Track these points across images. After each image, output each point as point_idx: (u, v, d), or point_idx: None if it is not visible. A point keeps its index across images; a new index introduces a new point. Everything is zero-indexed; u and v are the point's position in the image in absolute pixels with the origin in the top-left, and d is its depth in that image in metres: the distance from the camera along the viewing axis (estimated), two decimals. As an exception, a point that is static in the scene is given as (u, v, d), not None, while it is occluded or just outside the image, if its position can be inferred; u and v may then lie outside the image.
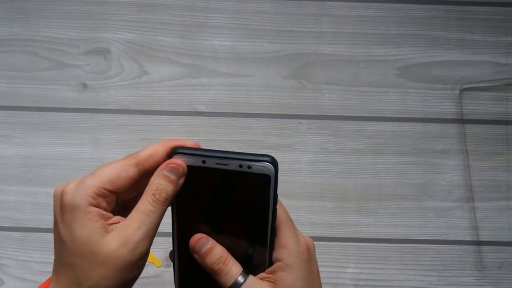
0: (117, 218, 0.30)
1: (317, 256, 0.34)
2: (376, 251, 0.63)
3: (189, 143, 0.31)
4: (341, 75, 0.65)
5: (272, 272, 0.31)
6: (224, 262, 0.31)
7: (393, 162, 0.64)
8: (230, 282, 0.31)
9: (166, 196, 0.30)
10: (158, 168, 0.30)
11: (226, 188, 0.31)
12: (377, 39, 0.66)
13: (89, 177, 0.30)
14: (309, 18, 0.66)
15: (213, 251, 0.31)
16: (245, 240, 0.32)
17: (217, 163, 0.30)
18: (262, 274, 0.32)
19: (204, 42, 0.65)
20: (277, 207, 0.31)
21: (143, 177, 0.31)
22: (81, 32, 0.65)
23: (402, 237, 0.63)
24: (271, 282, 0.31)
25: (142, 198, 0.30)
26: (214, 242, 0.31)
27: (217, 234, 0.32)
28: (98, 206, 0.30)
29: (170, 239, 0.32)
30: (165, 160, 0.31)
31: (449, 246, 0.63)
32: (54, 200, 0.31)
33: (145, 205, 0.30)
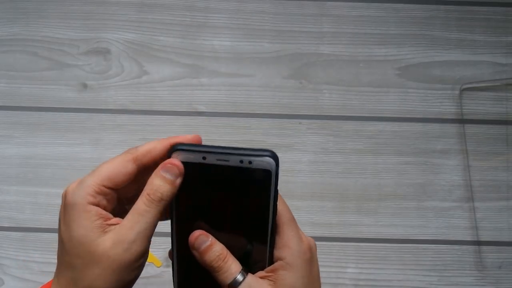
0: (117, 219, 0.30)
1: (317, 256, 0.33)
2: (376, 251, 0.63)
3: (188, 137, 0.31)
4: (341, 75, 0.65)
5: (272, 271, 0.31)
6: (224, 259, 0.31)
7: (393, 162, 0.64)
8: (229, 280, 0.30)
9: (161, 196, 0.30)
10: (156, 169, 0.30)
11: (227, 184, 0.30)
12: (377, 39, 0.66)
13: (89, 176, 0.30)
14: (309, 18, 0.66)
15: (213, 248, 0.31)
16: (245, 237, 0.32)
17: (217, 159, 0.30)
18: (262, 273, 0.32)
19: (204, 42, 0.65)
20: (280, 206, 0.31)
21: (142, 173, 0.31)
22: (81, 32, 0.65)
23: (402, 237, 0.63)
24: (271, 281, 0.31)
25: (138, 198, 0.30)
26: (214, 239, 0.31)
27: (217, 231, 0.31)
28: (98, 205, 0.30)
29: (170, 239, 0.32)
30: (164, 156, 0.31)
31: (449, 246, 0.63)
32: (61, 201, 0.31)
33: (139, 205, 0.30)
